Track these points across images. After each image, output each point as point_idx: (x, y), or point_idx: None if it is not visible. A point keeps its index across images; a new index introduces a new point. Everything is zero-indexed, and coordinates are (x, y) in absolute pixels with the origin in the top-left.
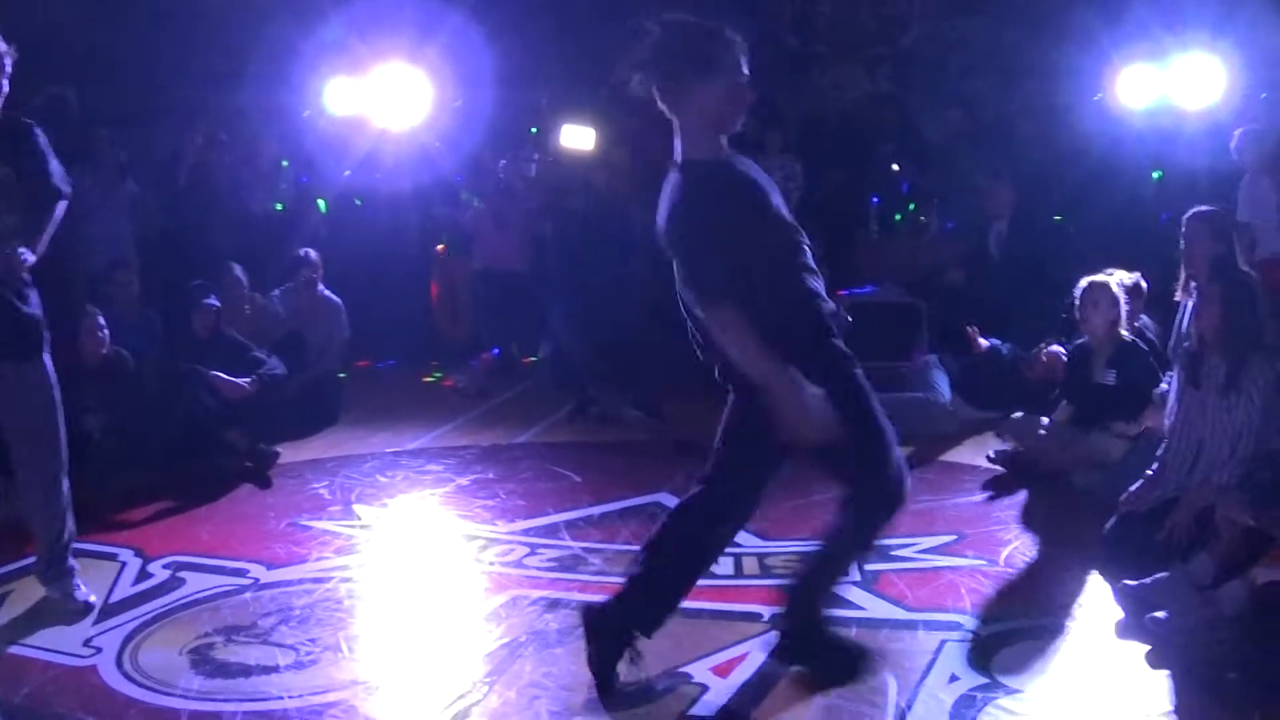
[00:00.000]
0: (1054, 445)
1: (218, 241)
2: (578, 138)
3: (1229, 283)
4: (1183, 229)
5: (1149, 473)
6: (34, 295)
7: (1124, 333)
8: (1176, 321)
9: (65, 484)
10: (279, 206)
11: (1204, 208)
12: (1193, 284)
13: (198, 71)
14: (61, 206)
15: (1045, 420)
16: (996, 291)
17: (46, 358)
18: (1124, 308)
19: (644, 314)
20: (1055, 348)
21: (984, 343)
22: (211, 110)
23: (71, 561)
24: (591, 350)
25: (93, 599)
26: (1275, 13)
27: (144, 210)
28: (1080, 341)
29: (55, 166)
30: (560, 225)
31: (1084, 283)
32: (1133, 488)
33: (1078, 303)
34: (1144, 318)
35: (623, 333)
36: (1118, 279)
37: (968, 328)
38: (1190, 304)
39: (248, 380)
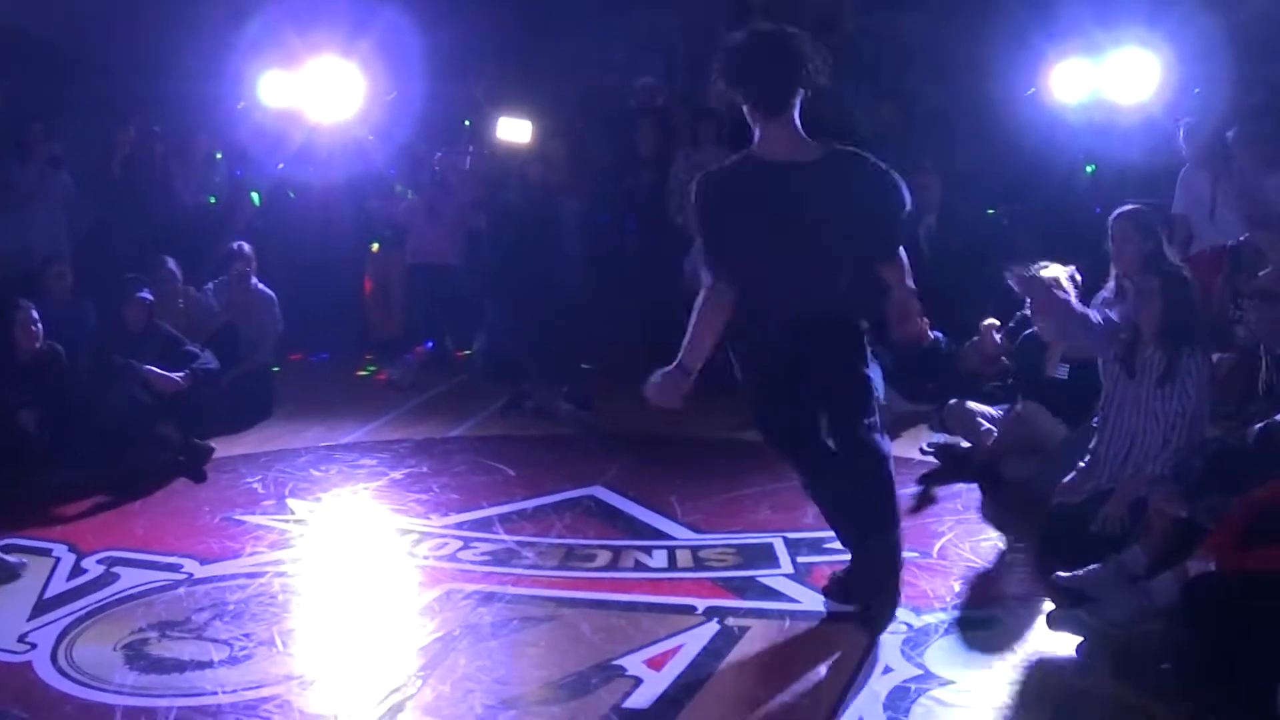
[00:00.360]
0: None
1: (151, 234)
2: (513, 130)
3: (1167, 277)
4: (1110, 229)
5: (1081, 465)
6: None
7: None
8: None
9: None
10: (212, 199)
11: (1130, 206)
12: (1125, 283)
13: (130, 63)
14: None
15: (977, 406)
16: (928, 285)
17: None
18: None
19: (576, 307)
20: (992, 320)
21: (933, 335)
22: (145, 102)
23: None
24: (525, 344)
25: (23, 560)
26: (1208, 7)
27: (77, 202)
28: (1030, 332)
29: None
30: (494, 218)
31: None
32: (1066, 480)
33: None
34: None
35: (555, 326)
36: (1051, 272)
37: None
38: (1103, 298)
39: (181, 375)
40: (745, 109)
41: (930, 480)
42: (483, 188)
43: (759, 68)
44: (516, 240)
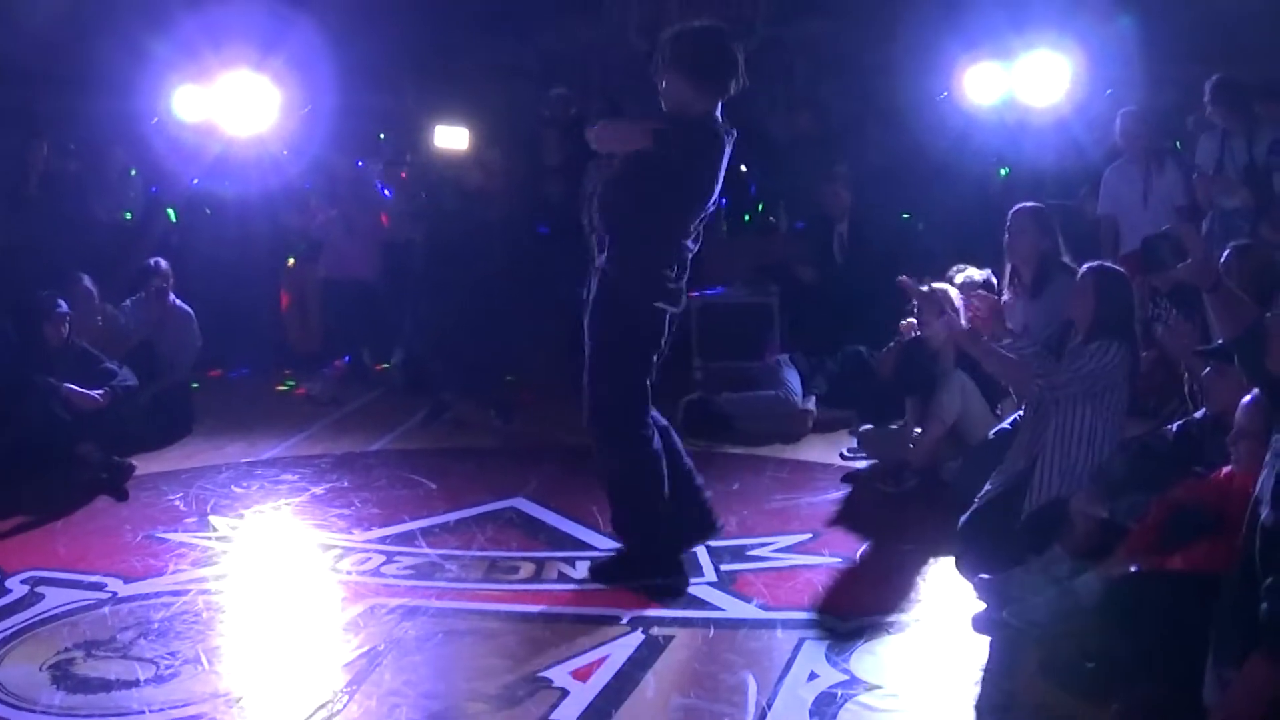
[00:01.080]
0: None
1: (66, 251)
2: (451, 138)
3: (1101, 272)
4: (1008, 223)
5: (998, 471)
6: None
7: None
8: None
9: None
10: (128, 215)
11: (1029, 203)
12: (1017, 279)
13: (42, 76)
14: None
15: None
16: (843, 292)
17: None
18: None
19: (502, 316)
20: (910, 320)
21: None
22: (57, 116)
23: None
24: (446, 355)
25: None
26: (1119, 9)
27: None
28: (916, 336)
29: None
30: (433, 227)
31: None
32: (985, 489)
33: (915, 308)
34: None
35: (481, 336)
36: (967, 275)
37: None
38: (1007, 297)
39: (99, 392)
40: (690, 87)
41: (851, 485)
42: (420, 197)
43: (729, 55)
44: (453, 249)
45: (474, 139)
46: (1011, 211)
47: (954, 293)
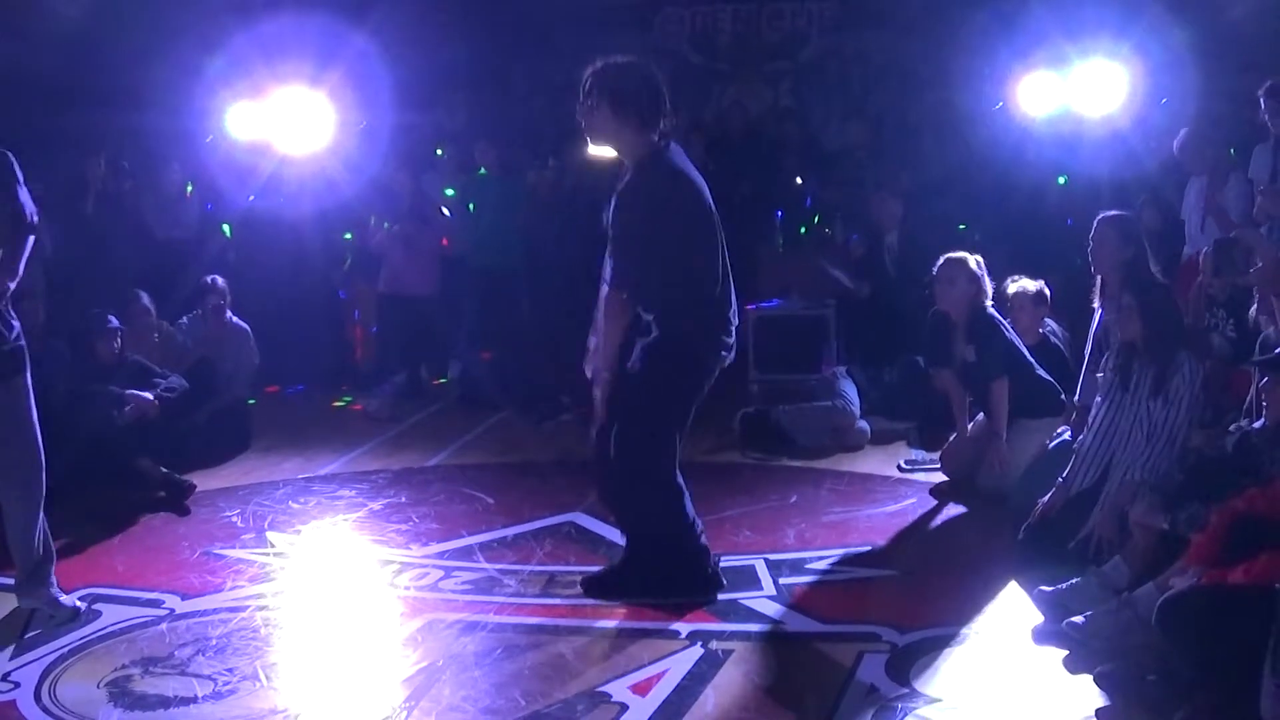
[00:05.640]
0: (972, 455)
1: (123, 269)
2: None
3: (1141, 291)
4: (1091, 232)
5: (1060, 481)
6: (16, 324)
7: (989, 307)
8: (1092, 327)
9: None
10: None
11: (1112, 211)
12: (1105, 289)
13: (98, 95)
14: (32, 238)
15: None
16: (895, 304)
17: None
18: (986, 284)
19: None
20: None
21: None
22: (113, 135)
23: (51, 574)
24: (502, 370)
25: (79, 604)
26: (1174, 17)
27: (48, 238)
28: (937, 310)
29: (24, 195)
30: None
31: (940, 260)
32: (1046, 497)
33: (935, 279)
34: (1049, 323)
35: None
36: (1021, 285)
37: None
38: (1100, 310)
39: (149, 395)
40: (615, 120)
41: (909, 497)
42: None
43: (652, 87)
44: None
45: None
46: (1095, 221)
47: (971, 259)
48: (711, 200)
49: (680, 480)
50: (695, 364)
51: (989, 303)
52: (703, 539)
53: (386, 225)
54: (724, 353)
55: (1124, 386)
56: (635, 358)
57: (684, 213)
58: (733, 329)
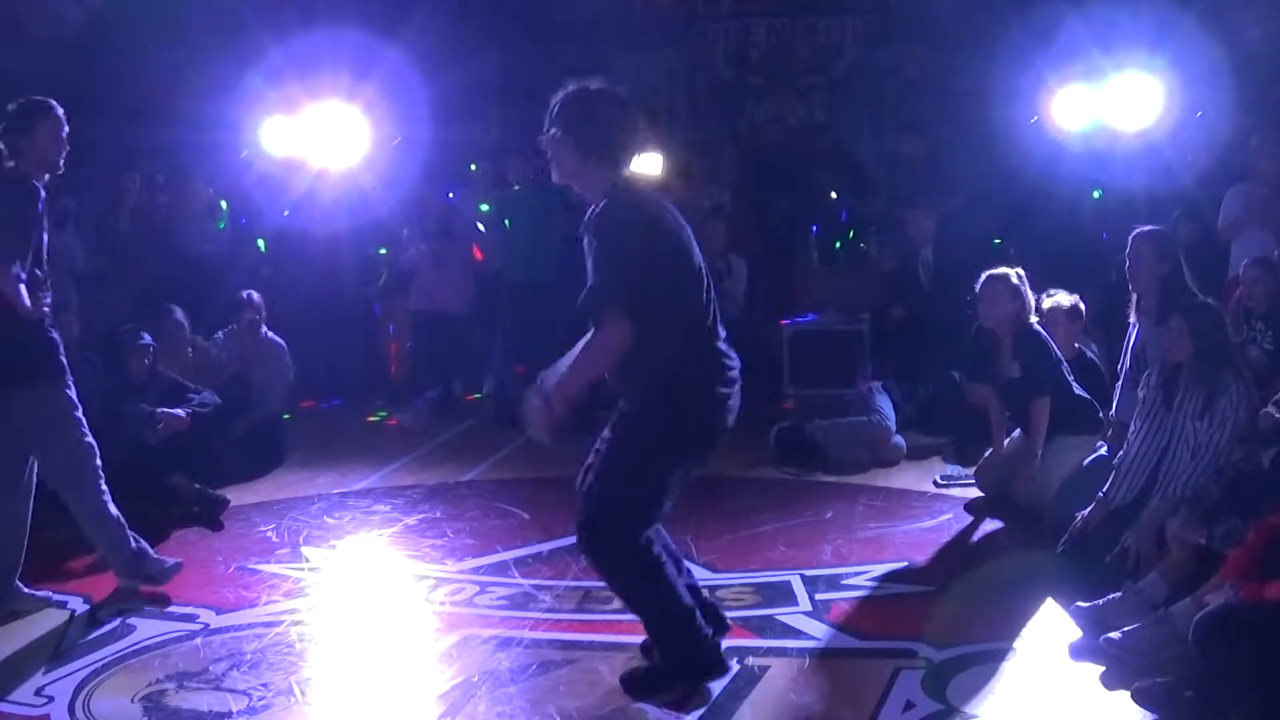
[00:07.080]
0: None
1: (157, 284)
2: (646, 165)
3: (1190, 311)
4: (1127, 248)
5: (1099, 495)
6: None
7: (1034, 323)
8: (1126, 341)
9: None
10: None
11: (1149, 227)
12: (1141, 305)
13: (132, 110)
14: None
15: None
16: (930, 319)
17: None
18: (1029, 298)
19: None
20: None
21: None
22: (147, 150)
23: (139, 544)
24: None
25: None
26: (1209, 31)
27: (83, 253)
28: (981, 326)
29: (40, 229)
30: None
31: (983, 277)
32: (1084, 511)
33: (978, 296)
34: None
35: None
36: (1056, 300)
37: None
38: (1137, 325)
39: (182, 411)
40: (577, 154)
41: (945, 513)
42: None
43: (617, 118)
44: None
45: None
46: (1131, 236)
47: (1012, 273)
48: (691, 233)
49: (657, 551)
50: (694, 417)
51: (1034, 318)
52: (698, 618)
53: (412, 243)
54: (724, 388)
55: (1167, 405)
56: (629, 403)
57: (655, 245)
58: (733, 366)
